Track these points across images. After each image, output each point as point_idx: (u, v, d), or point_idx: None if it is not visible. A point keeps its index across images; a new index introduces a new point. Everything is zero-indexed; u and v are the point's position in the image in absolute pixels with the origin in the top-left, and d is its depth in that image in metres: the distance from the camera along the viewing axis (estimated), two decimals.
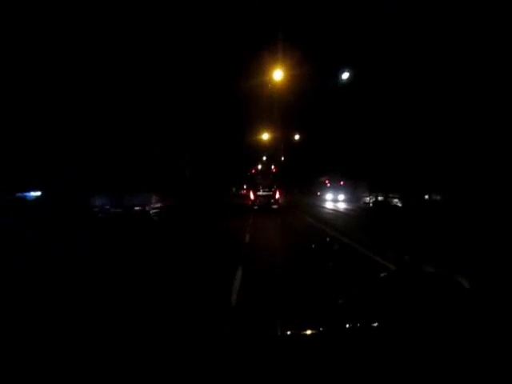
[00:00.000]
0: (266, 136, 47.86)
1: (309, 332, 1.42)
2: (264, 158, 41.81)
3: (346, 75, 25.29)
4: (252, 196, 24.50)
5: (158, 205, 13.20)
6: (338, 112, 36.74)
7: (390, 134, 30.53)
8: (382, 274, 2.47)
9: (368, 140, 34.56)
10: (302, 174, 48.43)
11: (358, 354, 1.09)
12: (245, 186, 52.22)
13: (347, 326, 1.47)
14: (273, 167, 28.56)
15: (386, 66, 27.82)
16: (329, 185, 36.79)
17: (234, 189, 63.23)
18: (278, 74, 24.40)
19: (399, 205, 29.20)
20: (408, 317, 1.40)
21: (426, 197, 26.29)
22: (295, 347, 1.20)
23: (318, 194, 35.59)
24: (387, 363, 1.02)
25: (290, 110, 39.69)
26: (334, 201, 34.04)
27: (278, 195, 24.24)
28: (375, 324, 1.42)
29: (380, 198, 33.31)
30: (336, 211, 24.23)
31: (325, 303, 1.93)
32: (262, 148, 47.61)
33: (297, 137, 49.09)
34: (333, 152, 40.12)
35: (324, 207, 28.13)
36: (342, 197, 34.65)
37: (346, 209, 26.74)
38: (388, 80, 28.60)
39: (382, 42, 25.55)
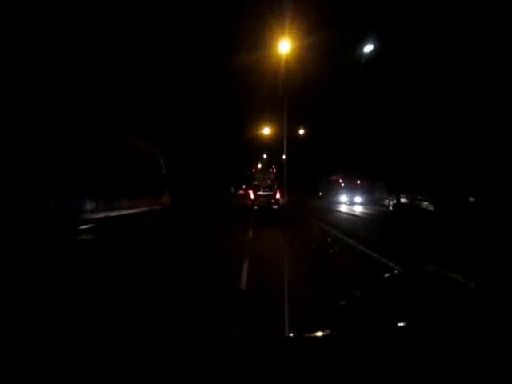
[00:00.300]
0: (266, 130, 43.21)
1: (307, 335, 1.41)
2: (264, 156, 39.51)
3: (368, 48, 20.11)
4: (252, 196, 24.07)
5: (101, 215, 8.08)
6: (351, 100, 31.65)
7: (417, 122, 25.59)
8: (386, 275, 2.15)
9: (387, 131, 29.56)
10: (307, 172, 43.40)
11: (361, 356, 1.05)
12: (244, 186, 50.31)
13: (346, 328, 1.42)
14: (273, 166, 27.74)
15: (411, 44, 22.94)
16: (343, 184, 31.58)
17: (232, 189, 60.05)
18: (283, 47, 19.28)
19: (430, 208, 23.95)
20: (411, 317, 1.39)
21: (471, 199, 21.05)
22: (299, 350, 1.17)
23: (338, 197, 30.14)
24: (391, 364, 0.99)
25: (295, 98, 34.68)
26: (350, 203, 28.77)
27: (278, 195, 23.95)
28: (377, 325, 1.37)
29: (403, 200, 27.94)
30: (358, 216, 19.14)
31: (327, 306, 1.95)
32: (262, 144, 43.47)
33: (301, 131, 44.13)
34: (345, 147, 35.06)
35: (342, 212, 22.98)
36: (359, 199, 29.31)
37: (369, 214, 21.55)
38: (415, 59, 23.74)
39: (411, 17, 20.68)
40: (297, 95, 34.61)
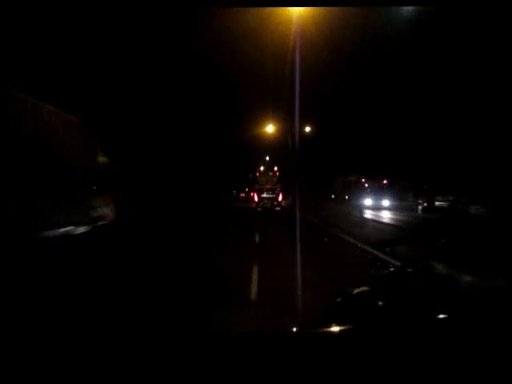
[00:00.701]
0: (270, 128, 38.06)
1: (301, 332, 1.44)
2: (267, 158, 38.05)
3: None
4: (256, 198, 25.07)
5: None
6: (373, 85, 26.42)
7: (464, 106, 20.49)
8: (382, 272, 2.15)
9: (417, 119, 24.38)
10: (315, 172, 38.12)
11: (351, 355, 1.04)
12: (246, 189, 50.53)
13: (339, 325, 1.38)
14: (275, 169, 28.22)
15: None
16: (366, 185, 26.15)
17: (234, 192, 58.89)
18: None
19: (482, 213, 18.54)
20: (403, 316, 1.39)
21: None
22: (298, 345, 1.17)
23: (360, 200, 24.75)
24: (383, 364, 0.97)
25: (304, 84, 29.51)
26: (375, 208, 23.35)
27: (280, 198, 25.09)
28: (370, 323, 1.37)
29: (439, 203, 22.55)
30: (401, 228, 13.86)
31: (323, 303, 1.87)
32: (264, 144, 39.14)
33: (308, 129, 38.82)
34: (362, 141, 29.81)
35: (374, 219, 17.70)
36: (386, 202, 23.83)
37: (417, 224, 16.23)
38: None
39: None
40: (306, 81, 29.44)
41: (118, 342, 1.21)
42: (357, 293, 1.75)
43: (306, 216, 17.67)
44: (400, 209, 22.92)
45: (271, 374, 0.92)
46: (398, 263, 6.39)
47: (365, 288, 1.79)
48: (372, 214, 20.70)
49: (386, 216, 19.98)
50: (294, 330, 1.51)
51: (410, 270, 2.01)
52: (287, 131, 37.62)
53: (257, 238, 10.84)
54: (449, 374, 0.91)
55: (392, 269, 2.86)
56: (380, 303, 1.58)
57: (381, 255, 7.55)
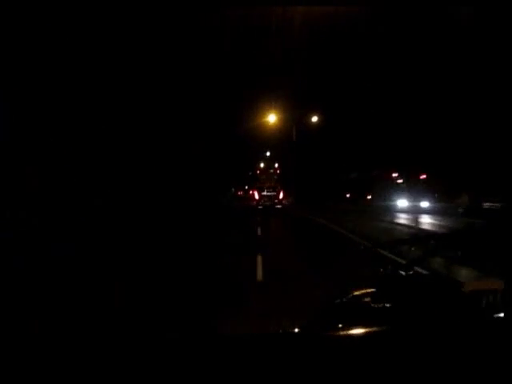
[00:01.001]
0: (272, 118, 33.10)
1: (295, 333, 1.44)
2: (267, 154, 37.05)
3: None
4: (257, 196, 25.67)
5: None
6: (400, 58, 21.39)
7: None
8: (380, 275, 1.89)
9: (456, 102, 19.54)
10: (322, 171, 32.97)
11: (348, 357, 1.00)
12: (246, 187, 50.33)
13: (336, 327, 1.40)
14: (276, 166, 28.29)
15: None
16: (400, 181, 21.09)
17: (233, 189, 56.90)
18: None
19: None
20: (407, 318, 1.36)
21: None
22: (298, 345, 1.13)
23: (391, 201, 19.63)
24: (386, 367, 0.94)
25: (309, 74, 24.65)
26: (408, 211, 18.19)
27: (281, 195, 25.61)
28: (371, 325, 1.27)
29: (489, 204, 17.76)
30: None
31: (321, 304, 1.83)
32: (265, 136, 35.25)
33: (315, 118, 33.88)
34: (387, 128, 24.85)
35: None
36: (426, 203, 18.61)
37: None
38: None
39: None
40: (314, 66, 24.50)
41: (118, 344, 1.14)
42: (357, 294, 1.70)
43: (330, 227, 12.69)
44: (443, 212, 17.91)
45: (271, 376, 0.91)
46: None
47: (367, 290, 1.70)
48: (425, 223, 15.43)
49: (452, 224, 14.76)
50: (296, 330, 1.50)
51: (413, 270, 1.83)
52: (290, 121, 32.75)
53: (259, 276, 5.87)
54: (451, 378, 0.90)
55: (395, 269, 2.05)
56: (382, 305, 1.53)
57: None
